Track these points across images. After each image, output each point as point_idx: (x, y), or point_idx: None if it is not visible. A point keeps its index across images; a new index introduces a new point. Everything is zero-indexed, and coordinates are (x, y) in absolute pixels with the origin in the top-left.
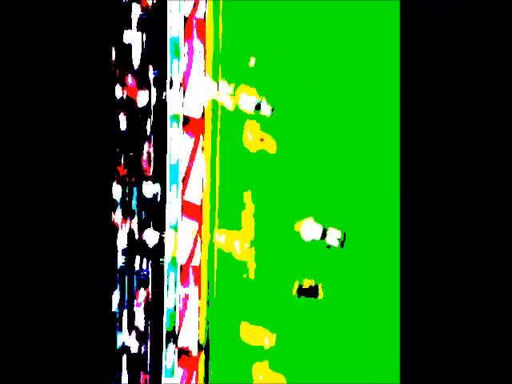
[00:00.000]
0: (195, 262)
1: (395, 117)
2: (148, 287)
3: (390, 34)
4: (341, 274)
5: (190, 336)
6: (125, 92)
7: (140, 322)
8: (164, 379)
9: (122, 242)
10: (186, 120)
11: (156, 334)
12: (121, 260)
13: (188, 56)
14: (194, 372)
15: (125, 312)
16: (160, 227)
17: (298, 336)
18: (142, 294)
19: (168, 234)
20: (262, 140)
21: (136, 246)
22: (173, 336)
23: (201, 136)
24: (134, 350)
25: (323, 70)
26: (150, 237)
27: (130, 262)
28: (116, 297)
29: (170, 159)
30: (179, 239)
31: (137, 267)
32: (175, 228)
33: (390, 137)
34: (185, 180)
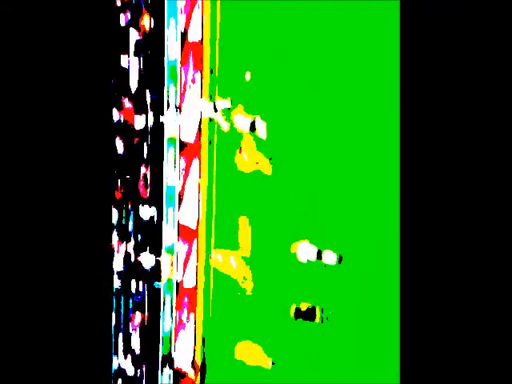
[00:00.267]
0: (191, 284)
1: (395, 139)
2: (144, 310)
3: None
4: (338, 295)
5: (186, 357)
6: (122, 115)
7: (136, 345)
8: None
9: (117, 264)
10: (182, 145)
11: (152, 357)
12: (117, 283)
13: (184, 80)
14: None
15: (120, 335)
16: (156, 250)
17: (296, 357)
18: (137, 317)
19: (164, 257)
20: (257, 163)
21: (132, 268)
22: (169, 360)
23: (196, 159)
24: (130, 373)
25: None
26: (146, 260)
27: (125, 284)
28: (112, 319)
29: (167, 182)
30: (175, 262)
31: (133, 290)
32: (171, 251)
33: (388, 158)
34: (180, 203)
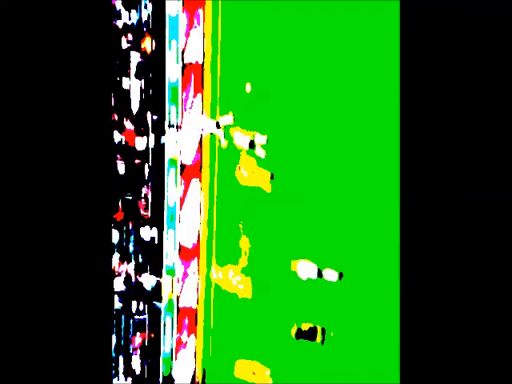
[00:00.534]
0: (191, 304)
1: (395, 160)
2: (145, 331)
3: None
4: (339, 313)
5: (186, 376)
6: (123, 137)
7: (136, 366)
8: None
9: (118, 285)
10: (183, 166)
11: (152, 378)
12: (117, 304)
13: (185, 101)
14: None
15: (121, 356)
16: (157, 271)
17: (297, 376)
18: (138, 338)
19: (165, 278)
20: (253, 172)
21: (133, 289)
22: (169, 381)
23: (196, 180)
24: None
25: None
26: (147, 281)
27: (126, 305)
28: (113, 341)
29: (168, 203)
30: (176, 283)
31: (133, 311)
32: (172, 271)
33: (387, 176)
34: (180, 223)
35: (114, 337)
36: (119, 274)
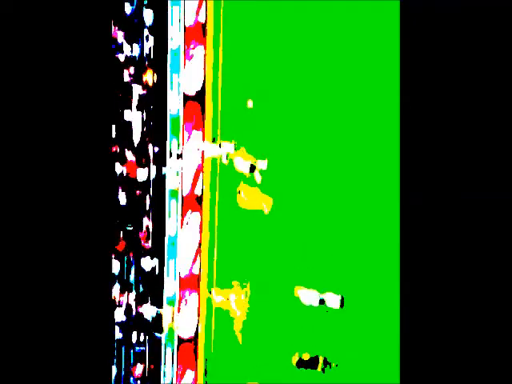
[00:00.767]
0: (191, 334)
1: (395, 187)
2: (145, 361)
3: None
4: (340, 341)
5: None
6: (124, 168)
7: None
8: None
9: (119, 316)
10: (183, 199)
11: None
12: (118, 334)
13: (187, 133)
14: None
15: None
16: (157, 302)
17: None
18: (138, 369)
19: (165, 309)
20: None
21: (133, 320)
22: None
23: (197, 214)
24: None
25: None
26: (148, 311)
27: (127, 336)
28: (113, 371)
29: (169, 234)
30: (177, 313)
31: (134, 341)
32: (172, 302)
33: (387, 200)
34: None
35: (114, 367)
36: (120, 305)
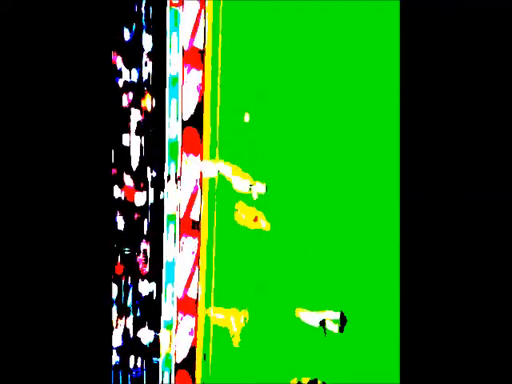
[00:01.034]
0: (190, 356)
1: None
2: None
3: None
4: (339, 365)
5: None
6: (123, 192)
7: None
8: None
9: (116, 340)
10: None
11: None
12: (115, 358)
13: (185, 155)
14: None
15: None
16: (155, 326)
17: None
18: None
19: (163, 333)
20: (255, 220)
21: (131, 344)
22: None
23: (194, 239)
24: None
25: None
26: (145, 335)
27: (124, 360)
28: None
29: (166, 258)
30: (174, 337)
31: (131, 366)
32: (170, 326)
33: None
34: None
35: None
36: (117, 329)
